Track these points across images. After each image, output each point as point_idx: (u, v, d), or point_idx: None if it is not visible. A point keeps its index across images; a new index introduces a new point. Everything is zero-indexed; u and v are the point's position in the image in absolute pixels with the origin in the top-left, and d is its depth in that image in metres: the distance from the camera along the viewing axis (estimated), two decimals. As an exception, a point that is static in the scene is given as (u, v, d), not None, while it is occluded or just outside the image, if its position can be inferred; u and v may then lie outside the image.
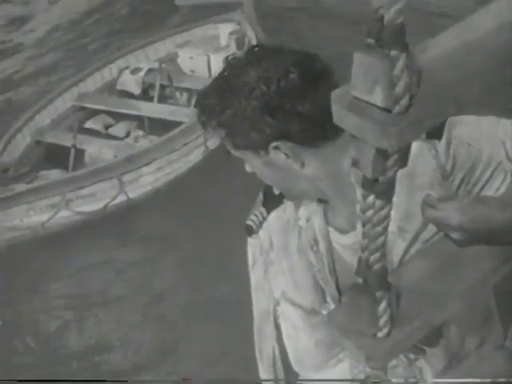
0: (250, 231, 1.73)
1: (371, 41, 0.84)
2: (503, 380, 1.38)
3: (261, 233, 1.72)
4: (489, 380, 1.37)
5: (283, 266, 1.68)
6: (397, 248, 1.50)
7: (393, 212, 1.46)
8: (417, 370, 1.59)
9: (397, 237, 1.50)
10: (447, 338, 1.51)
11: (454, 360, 1.54)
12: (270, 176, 1.57)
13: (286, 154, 1.48)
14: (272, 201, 1.69)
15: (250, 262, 1.77)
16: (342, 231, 1.58)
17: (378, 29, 0.82)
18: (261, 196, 1.72)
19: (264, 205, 1.71)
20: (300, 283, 1.65)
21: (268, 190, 1.70)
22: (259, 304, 1.79)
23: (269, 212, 1.70)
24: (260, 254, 1.73)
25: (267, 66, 1.46)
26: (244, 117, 1.46)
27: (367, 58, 0.84)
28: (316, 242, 1.61)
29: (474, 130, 1.50)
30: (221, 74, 1.54)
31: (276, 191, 1.67)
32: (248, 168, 1.59)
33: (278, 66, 1.45)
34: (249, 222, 1.73)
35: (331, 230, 1.60)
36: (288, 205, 1.67)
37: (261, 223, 1.71)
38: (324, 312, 1.60)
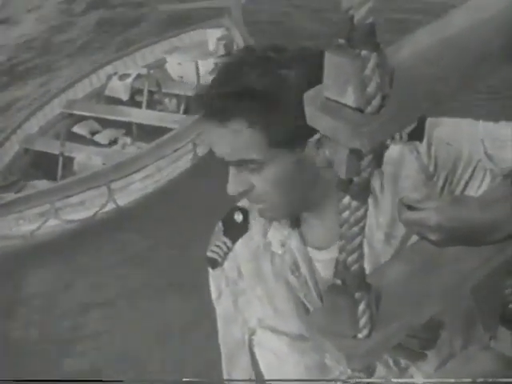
0: (214, 264, 1.65)
1: (342, 41, 0.84)
2: (500, 380, 1.38)
3: (226, 264, 1.64)
4: (483, 379, 1.37)
5: (258, 293, 1.61)
6: (385, 255, 1.48)
7: (380, 219, 1.47)
8: (408, 377, 1.58)
9: (384, 244, 1.49)
10: (439, 342, 1.50)
11: (442, 363, 1.54)
12: (290, 179, 1.40)
13: (318, 148, 1.33)
14: (235, 229, 1.62)
15: (214, 294, 1.69)
16: (321, 247, 1.55)
17: (348, 29, 0.82)
18: (220, 226, 1.65)
19: (226, 234, 1.63)
20: (281, 309, 1.59)
21: (228, 219, 1.64)
22: (231, 336, 1.70)
23: (234, 241, 1.62)
24: (226, 285, 1.66)
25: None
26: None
27: (338, 59, 0.84)
28: (297, 266, 1.56)
29: (453, 130, 1.50)
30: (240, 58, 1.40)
31: (238, 219, 1.61)
32: (238, 187, 1.44)
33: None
34: (212, 255, 1.65)
35: (310, 249, 1.56)
36: (254, 231, 1.60)
37: (226, 254, 1.63)
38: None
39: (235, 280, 1.64)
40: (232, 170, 1.43)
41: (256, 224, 1.61)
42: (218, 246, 1.64)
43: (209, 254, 1.65)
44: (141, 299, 5.75)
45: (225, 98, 1.33)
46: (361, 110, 0.85)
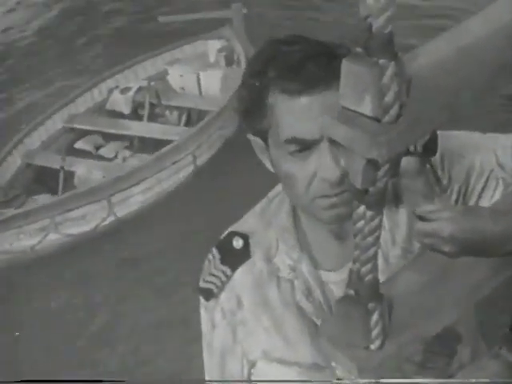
0: (210, 295, 1.55)
1: (359, 49, 0.83)
2: (503, 381, 1.37)
3: (222, 295, 1.54)
4: (486, 380, 1.35)
5: (264, 323, 1.51)
6: None
7: (396, 234, 1.46)
8: None
9: (401, 259, 1.46)
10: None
11: (450, 376, 1.52)
12: None
13: None
14: (234, 256, 1.52)
15: (206, 327, 1.60)
16: (335, 269, 1.50)
17: (366, 37, 0.82)
18: (215, 253, 1.55)
19: (225, 262, 1.53)
20: (292, 338, 1.50)
21: (225, 246, 1.54)
22: (227, 369, 1.58)
23: (234, 270, 1.52)
24: (222, 318, 1.55)
25: None
26: None
27: (355, 67, 0.83)
28: (310, 291, 1.48)
29: (465, 142, 1.49)
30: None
31: (238, 245, 1.52)
32: (337, 169, 1.31)
33: None
34: (206, 285, 1.54)
35: (322, 272, 1.50)
36: (257, 257, 1.51)
37: (223, 284, 1.53)
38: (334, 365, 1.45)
39: (233, 311, 1.54)
40: (329, 152, 1.31)
41: (258, 249, 1.53)
42: (214, 276, 1.54)
43: (202, 284, 1.56)
44: (141, 312, 5.73)
45: (325, 56, 1.30)
46: (378, 120, 0.85)
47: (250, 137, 1.45)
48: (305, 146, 1.32)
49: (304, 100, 1.30)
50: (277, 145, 1.37)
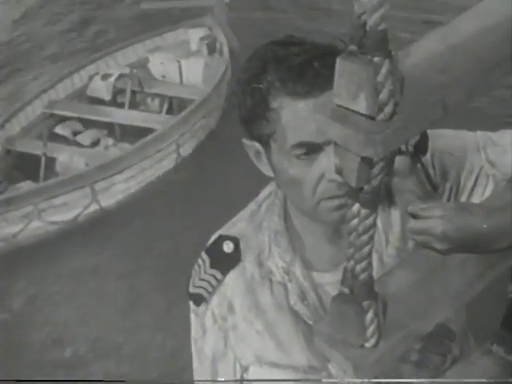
0: (200, 300, 1.51)
1: (354, 47, 0.82)
2: (498, 380, 1.37)
3: (213, 299, 1.50)
4: (483, 380, 1.35)
5: (257, 327, 1.47)
6: None
7: (390, 234, 1.44)
8: None
9: (396, 258, 1.43)
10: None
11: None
12: None
13: None
14: (225, 260, 1.49)
15: (196, 332, 1.56)
16: (329, 269, 1.46)
17: (360, 35, 0.81)
18: (204, 257, 1.51)
19: (214, 267, 1.49)
20: (286, 342, 1.47)
21: (214, 250, 1.51)
22: (219, 375, 1.55)
23: (224, 274, 1.48)
24: (213, 322, 1.51)
25: None
26: None
27: (350, 65, 0.82)
28: (304, 293, 1.45)
29: (454, 140, 1.48)
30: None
31: (228, 249, 1.49)
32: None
33: None
34: (196, 290, 1.51)
35: (315, 274, 1.47)
36: (248, 261, 1.48)
37: (214, 288, 1.49)
38: (330, 367, 1.39)
39: (224, 316, 1.51)
40: (329, 149, 1.26)
41: (250, 253, 1.49)
42: (204, 280, 1.51)
43: (192, 289, 1.53)
44: (124, 303, 5.71)
45: (326, 56, 1.26)
46: (372, 118, 0.84)
47: (247, 142, 1.41)
48: (312, 149, 1.30)
49: (310, 102, 1.27)
50: (282, 149, 1.33)
